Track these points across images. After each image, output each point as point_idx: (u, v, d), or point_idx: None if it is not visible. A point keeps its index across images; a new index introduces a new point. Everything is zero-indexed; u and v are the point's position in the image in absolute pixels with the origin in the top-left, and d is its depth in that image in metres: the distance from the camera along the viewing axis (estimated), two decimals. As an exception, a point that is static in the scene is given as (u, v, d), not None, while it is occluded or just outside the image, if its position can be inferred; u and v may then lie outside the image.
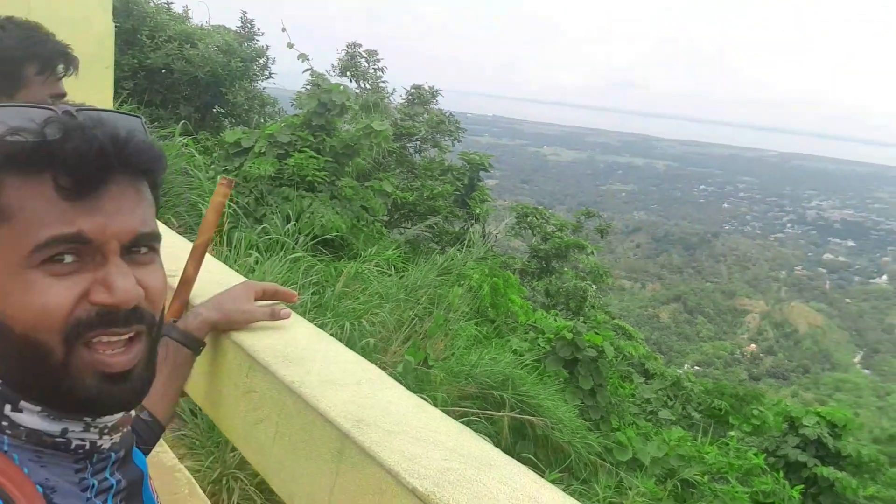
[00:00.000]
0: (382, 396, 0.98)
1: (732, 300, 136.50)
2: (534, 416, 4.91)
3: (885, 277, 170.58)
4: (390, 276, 5.67)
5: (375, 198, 7.39)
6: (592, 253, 12.05)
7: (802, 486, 6.10)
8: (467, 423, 4.43)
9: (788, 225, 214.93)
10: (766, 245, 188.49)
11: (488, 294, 6.88)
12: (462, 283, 6.05)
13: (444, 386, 4.71)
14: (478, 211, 10.91)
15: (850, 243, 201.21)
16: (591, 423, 5.69)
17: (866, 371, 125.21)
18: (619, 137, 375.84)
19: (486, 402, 5.03)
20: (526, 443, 4.99)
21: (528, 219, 12.33)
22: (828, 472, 6.86)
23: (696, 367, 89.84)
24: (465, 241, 7.91)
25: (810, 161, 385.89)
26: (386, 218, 9.28)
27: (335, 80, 10.79)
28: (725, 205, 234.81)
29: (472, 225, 10.95)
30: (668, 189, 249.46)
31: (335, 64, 13.00)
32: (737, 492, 4.67)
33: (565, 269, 11.63)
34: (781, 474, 5.98)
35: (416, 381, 4.45)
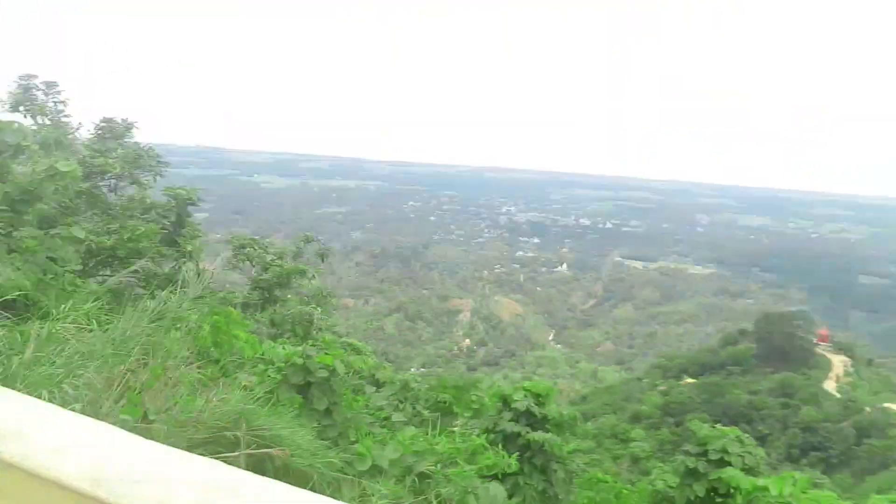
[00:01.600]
0: (122, 450, 0.93)
1: (447, 303, 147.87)
2: (271, 447, 4.87)
3: (564, 266, 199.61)
4: (92, 331, 5.15)
5: (65, 246, 6.61)
6: (314, 277, 12.20)
7: (518, 453, 6.99)
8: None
9: (486, 230, 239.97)
10: (470, 250, 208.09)
11: (209, 334, 6.62)
12: (178, 326, 5.74)
13: (169, 438, 4.44)
14: (189, 248, 10.33)
15: (536, 240, 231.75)
16: (330, 442, 5.81)
17: (559, 346, 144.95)
18: (330, 161, 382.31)
19: (220, 445, 4.86)
20: (266, 477, 4.93)
21: (246, 250, 12.04)
22: (537, 436, 7.95)
23: (422, 369, 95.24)
24: (178, 282, 7.48)
25: (500, 173, 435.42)
26: (80, 267, 8.32)
27: (6, 116, 9.38)
28: (432, 218, 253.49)
29: (184, 263, 10.33)
30: (381, 207, 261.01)
31: (4, 98, 11.24)
32: (465, 472, 5.18)
33: (289, 296, 11.60)
34: (500, 447, 6.78)
35: (139, 439, 4.13)
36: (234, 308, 8.35)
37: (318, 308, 11.54)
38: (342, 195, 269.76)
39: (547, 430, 8.40)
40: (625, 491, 13.89)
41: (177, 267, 10.07)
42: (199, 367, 5.88)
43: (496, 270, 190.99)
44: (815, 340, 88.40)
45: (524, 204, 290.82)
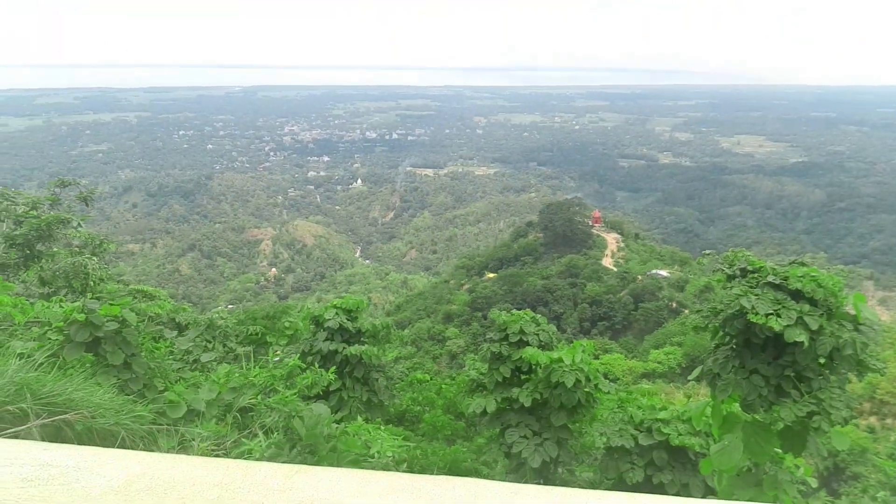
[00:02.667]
0: None
1: (244, 234, 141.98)
2: (66, 413, 4.41)
3: (359, 181, 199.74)
4: None
5: None
6: (80, 224, 10.85)
7: (335, 367, 7.05)
8: None
9: (272, 154, 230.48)
10: (258, 176, 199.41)
11: (-37, 303, 5.70)
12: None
13: (-65, 427, 3.84)
14: (-89, 210, 8.63)
15: (326, 158, 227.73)
16: (136, 395, 5.41)
17: (367, 261, 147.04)
18: (76, 94, 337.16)
19: (4, 422, 4.30)
20: (67, 444, 4.49)
21: (-10, 204, 10.31)
22: (354, 350, 8.07)
23: (231, 306, 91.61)
24: None
25: (274, 91, 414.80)
26: None
27: None
28: (209, 146, 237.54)
29: None
30: (148, 140, 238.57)
31: None
32: (286, 397, 5.12)
33: (55, 249, 10.26)
34: (317, 366, 6.79)
35: None
36: (-10, 271, 7.23)
37: (94, 258, 10.35)
38: (98, 131, 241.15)
39: (363, 343, 8.55)
40: (444, 386, 14.84)
41: None
42: (-41, 344, 5.09)
43: (290, 194, 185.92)
44: (590, 223, 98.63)
45: (306, 122, 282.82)
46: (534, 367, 7.66)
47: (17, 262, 9.93)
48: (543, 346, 7.98)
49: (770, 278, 4.47)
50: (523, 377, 7.96)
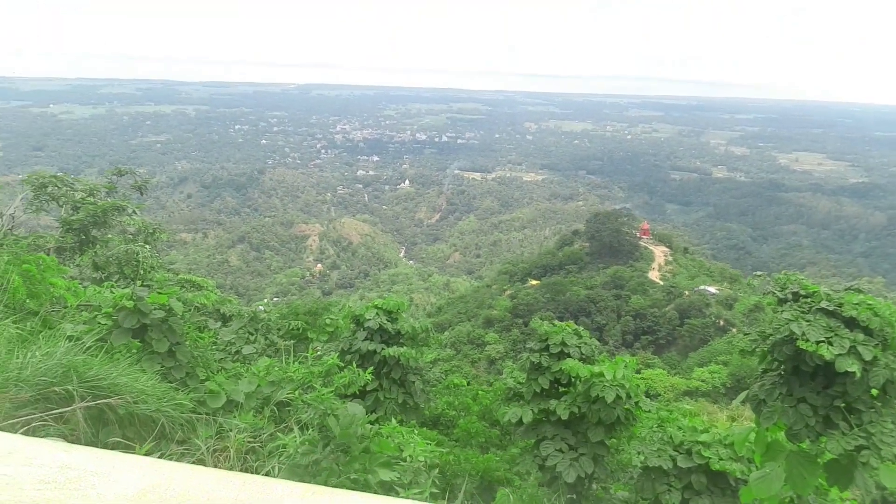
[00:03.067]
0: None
1: (292, 228, 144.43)
2: (109, 397, 4.52)
3: (407, 182, 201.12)
4: None
5: None
6: (135, 212, 11.16)
7: (373, 368, 7.07)
8: (32, 431, 3.84)
9: (323, 151, 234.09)
10: (309, 172, 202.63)
11: (20, 284, 5.90)
12: (-22, 279, 5.04)
13: (-13, 403, 3.97)
14: (-22, 192, 8.99)
15: (375, 158, 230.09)
16: (177, 383, 5.51)
17: (411, 262, 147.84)
18: (139, 85, 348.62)
19: (50, 402, 4.43)
20: (109, 428, 4.60)
21: (49, 189, 10.67)
22: (392, 351, 8.08)
23: (276, 299, 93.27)
24: (-31, 231, 6.51)
25: (328, 89, 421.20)
26: None
27: None
28: (263, 141, 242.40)
29: (-28, 210, 8.99)
30: (205, 133, 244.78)
31: None
32: (323, 394, 5.15)
33: (109, 235, 10.57)
34: (355, 365, 6.81)
35: (-55, 410, 3.65)
36: (48, 254, 7.48)
37: (147, 245, 10.62)
38: (158, 122, 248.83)
39: (402, 345, 8.56)
40: (480, 392, 14.76)
41: (-36, 215, 8.75)
42: (14, 322, 5.27)
43: (339, 192, 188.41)
44: (638, 234, 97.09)
45: (358, 121, 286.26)
46: (573, 379, 7.54)
47: (73, 247, 10.27)
48: (584, 359, 7.86)
49: (823, 304, 4.30)
50: (562, 389, 7.85)
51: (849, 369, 4.00)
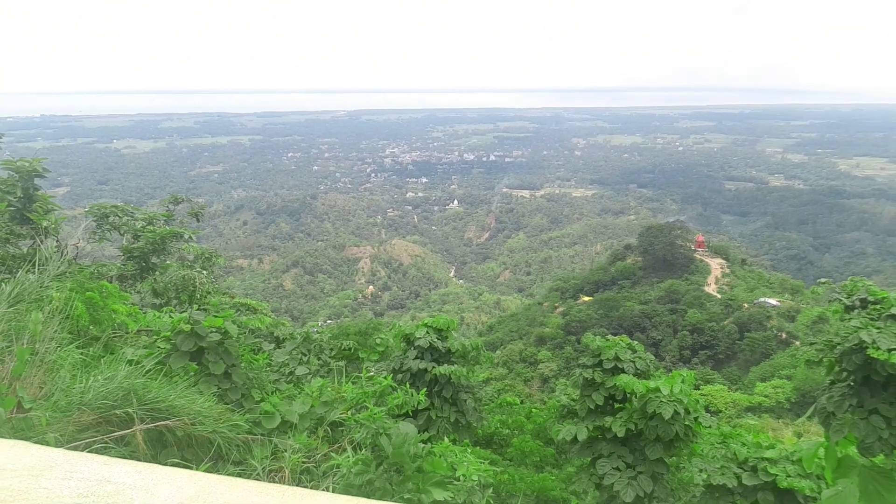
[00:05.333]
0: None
1: (344, 252, 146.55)
2: (168, 419, 4.62)
3: (455, 202, 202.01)
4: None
5: None
6: (191, 238, 11.49)
7: (426, 388, 7.05)
8: (95, 452, 3.94)
9: (372, 175, 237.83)
10: (359, 196, 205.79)
11: (84, 311, 6.13)
12: (42, 307, 5.25)
13: (53, 425, 4.10)
14: (45, 224, 9.39)
15: (424, 180, 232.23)
16: (233, 405, 5.60)
17: (460, 281, 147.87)
18: (196, 119, 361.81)
19: (112, 425, 4.56)
20: (168, 449, 4.70)
21: (110, 219, 11.10)
22: (443, 369, 8.05)
23: (329, 321, 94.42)
24: (37, 261, 6.80)
25: (377, 114, 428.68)
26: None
27: None
28: (315, 167, 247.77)
29: (42, 241, 9.39)
30: (259, 162, 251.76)
31: None
32: (375, 413, 5.15)
33: (168, 262, 10.91)
34: (408, 385, 6.80)
35: (14, 432, 3.79)
36: (110, 281, 7.75)
37: (204, 271, 10.91)
38: (215, 153, 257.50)
39: (452, 363, 8.52)
40: (534, 410, 14.56)
41: (35, 245, 9.15)
42: (78, 348, 5.46)
43: (389, 214, 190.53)
44: (693, 247, 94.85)
45: (406, 144, 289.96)
46: (629, 395, 7.36)
47: (134, 274, 10.64)
48: (640, 375, 7.67)
49: (894, 311, 4.08)
50: (617, 406, 7.66)
51: (923, 379, 3.78)
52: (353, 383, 6.42)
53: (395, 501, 4.26)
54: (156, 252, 10.95)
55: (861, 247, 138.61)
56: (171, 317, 6.75)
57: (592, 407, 7.55)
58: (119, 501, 1.61)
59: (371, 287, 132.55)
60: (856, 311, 4.36)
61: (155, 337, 6.16)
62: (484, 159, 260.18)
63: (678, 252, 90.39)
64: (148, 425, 4.59)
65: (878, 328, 4.03)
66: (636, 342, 8.33)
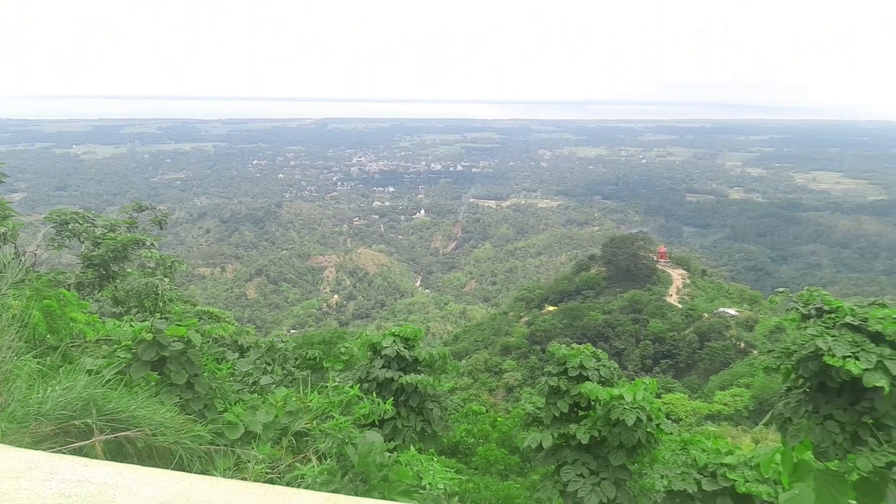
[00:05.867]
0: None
1: (309, 261, 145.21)
2: (128, 430, 4.53)
3: (422, 212, 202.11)
4: None
5: None
6: (153, 245, 11.27)
7: (392, 397, 7.03)
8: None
9: (339, 183, 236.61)
10: (325, 204, 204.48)
11: (41, 320, 5.98)
12: (0, 315, 5.12)
13: (10, 436, 3.99)
14: (3, 230, 9.12)
15: (391, 189, 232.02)
16: (196, 415, 5.52)
17: (427, 290, 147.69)
18: (159, 124, 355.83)
19: (70, 436, 4.45)
20: (128, 461, 4.61)
21: (70, 226, 10.82)
22: (409, 378, 8.04)
23: (293, 331, 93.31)
24: (-8, 268, 6.60)
25: (344, 123, 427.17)
26: None
27: None
28: (280, 175, 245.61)
29: (-1, 248, 9.11)
30: (223, 169, 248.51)
31: None
32: (340, 422, 5.13)
33: (129, 270, 10.68)
34: (374, 394, 6.79)
35: (-34, 445, 3.67)
36: (68, 289, 7.57)
37: (166, 279, 10.70)
38: (178, 160, 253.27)
39: (419, 372, 8.52)
40: (499, 419, 14.63)
41: (-10, 253, 8.87)
42: (35, 357, 5.32)
43: (355, 223, 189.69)
44: (655, 258, 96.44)
45: (374, 153, 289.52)
46: (593, 403, 7.45)
47: (94, 282, 10.38)
48: (604, 382, 7.78)
49: (848, 319, 4.24)
50: (581, 413, 7.75)
51: (877, 384, 3.93)
52: (318, 393, 6.38)
53: (375, 498, 4.25)
54: (116, 260, 10.70)
55: (817, 258, 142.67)
56: (132, 325, 6.63)
57: (557, 414, 7.62)
58: (101, 502, 1.59)
59: (336, 296, 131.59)
60: (812, 319, 4.51)
61: (115, 346, 6.04)
62: (451, 169, 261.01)
63: (641, 263, 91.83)
64: (107, 436, 4.50)
65: (833, 336, 4.18)
66: (600, 351, 8.44)
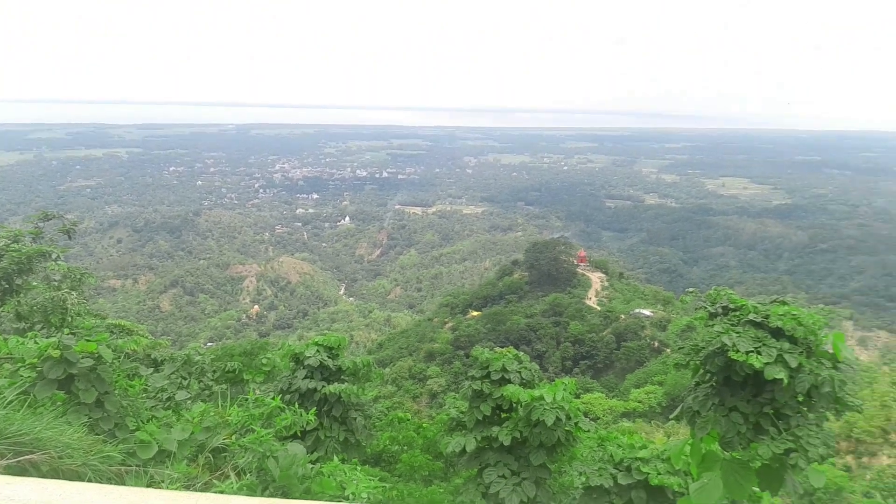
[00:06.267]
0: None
1: (228, 270, 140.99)
2: (32, 453, 4.31)
3: (347, 219, 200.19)
4: None
5: None
6: (59, 257, 10.68)
7: (315, 408, 6.95)
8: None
9: (261, 190, 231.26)
10: (246, 212, 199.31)
11: (-65, 340, 5.61)
12: None
13: None
14: None
15: (315, 196, 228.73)
16: (106, 435, 5.30)
17: (351, 299, 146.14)
18: (69, 129, 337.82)
19: (-32, 464, 4.20)
20: (33, 478, 4.38)
21: (-33, 238, 10.13)
22: (333, 388, 7.97)
23: (210, 343, 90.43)
24: None
25: (267, 129, 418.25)
26: None
27: None
28: (199, 182, 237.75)
29: None
30: (138, 176, 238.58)
31: None
32: (261, 436, 5.05)
33: (33, 283, 10.09)
34: (297, 405, 6.69)
35: None
36: (-36, 306, 7.11)
37: (73, 292, 10.15)
38: (88, 166, 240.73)
39: (343, 381, 8.45)
40: (424, 425, 14.66)
41: None
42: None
43: (277, 231, 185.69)
44: (575, 262, 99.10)
45: (297, 160, 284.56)
46: (515, 405, 7.60)
47: (-6, 298, 9.76)
48: (525, 384, 7.94)
49: (751, 316, 4.51)
50: (503, 416, 7.89)
51: (776, 377, 4.19)
52: (238, 406, 6.24)
53: (309, 499, 4.21)
54: (20, 272, 10.09)
55: (725, 259, 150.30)
56: (36, 342, 6.30)
57: (480, 418, 7.73)
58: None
59: (256, 307, 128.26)
60: (718, 318, 4.77)
61: (18, 364, 5.73)
62: (377, 176, 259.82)
63: (562, 267, 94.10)
64: (9, 461, 4.28)
65: (737, 333, 4.43)
66: (522, 354, 8.61)
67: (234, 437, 5.67)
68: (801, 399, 4.42)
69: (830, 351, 4.44)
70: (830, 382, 4.22)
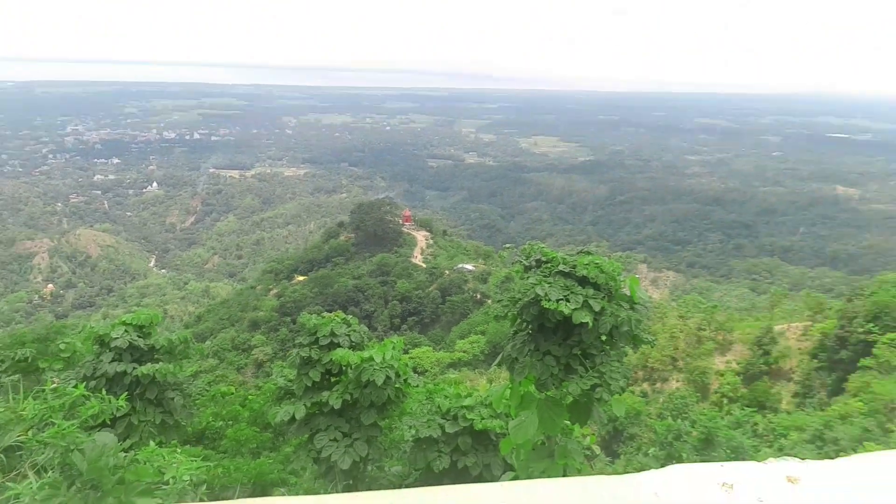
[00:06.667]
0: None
1: (14, 247, 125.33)
2: None
3: (155, 185, 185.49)
4: None
5: None
6: None
7: (126, 392, 6.40)
8: None
9: (50, 156, 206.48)
10: (34, 181, 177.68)
11: None
12: None
13: None
14: None
15: (116, 160, 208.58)
16: None
17: (163, 271, 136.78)
18: None
19: None
20: None
21: None
22: (145, 369, 7.39)
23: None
24: None
25: (55, 87, 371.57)
26: None
27: None
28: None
29: None
30: None
31: None
32: (63, 428, 4.54)
33: None
34: (104, 392, 6.10)
35: None
36: None
37: None
38: None
39: (157, 361, 7.87)
40: (250, 397, 14.21)
41: None
42: None
43: (72, 200, 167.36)
44: (401, 222, 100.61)
45: (93, 121, 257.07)
46: (344, 368, 7.57)
47: None
48: (354, 347, 7.92)
49: (561, 267, 4.81)
50: (333, 380, 7.84)
51: (583, 321, 4.54)
52: (34, 398, 5.57)
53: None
54: None
55: (538, 214, 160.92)
56: None
57: (309, 384, 7.61)
58: None
59: (50, 286, 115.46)
60: (532, 270, 5.02)
61: None
62: (187, 138, 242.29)
63: (388, 227, 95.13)
64: None
65: (549, 283, 4.69)
66: (351, 316, 8.57)
67: (30, 432, 5.06)
68: (604, 339, 4.83)
69: (628, 293, 4.88)
70: (628, 322, 4.64)
